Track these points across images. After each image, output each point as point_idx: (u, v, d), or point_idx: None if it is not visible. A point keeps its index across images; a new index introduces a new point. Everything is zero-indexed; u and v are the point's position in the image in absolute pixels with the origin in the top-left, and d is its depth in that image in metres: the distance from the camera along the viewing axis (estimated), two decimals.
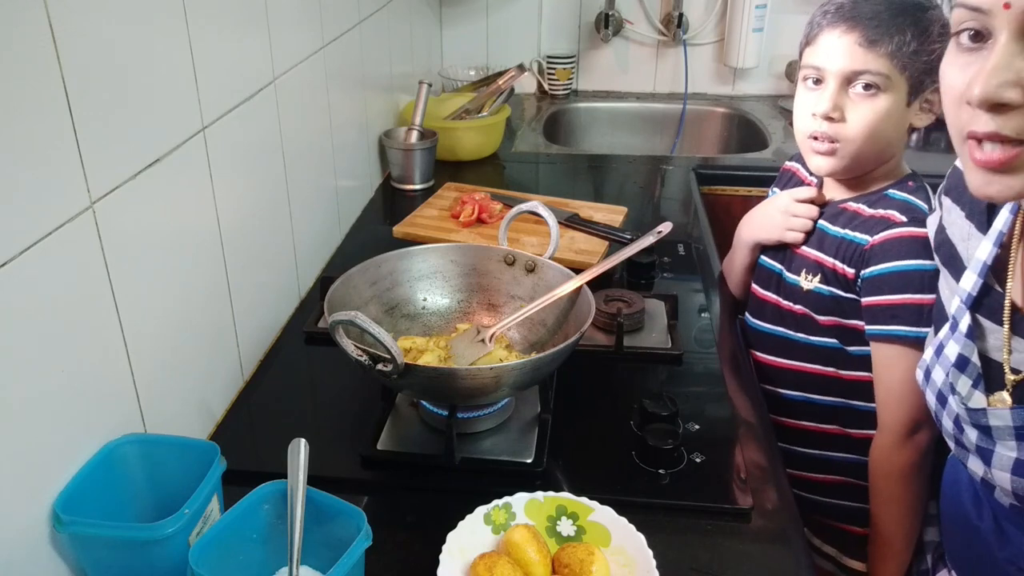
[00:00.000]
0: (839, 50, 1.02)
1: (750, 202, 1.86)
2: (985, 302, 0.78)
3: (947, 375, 0.81)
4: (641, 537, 0.77)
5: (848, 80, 1.02)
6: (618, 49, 2.32)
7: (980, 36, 0.62)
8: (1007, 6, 0.59)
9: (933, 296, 0.93)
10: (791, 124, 2.06)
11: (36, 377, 0.68)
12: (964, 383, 0.79)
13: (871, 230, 1.05)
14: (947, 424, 0.82)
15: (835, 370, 1.13)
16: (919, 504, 1.05)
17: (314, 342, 1.18)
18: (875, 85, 1.01)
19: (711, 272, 1.39)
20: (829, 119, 1.03)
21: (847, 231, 1.08)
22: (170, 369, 0.89)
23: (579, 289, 1.01)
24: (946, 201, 0.89)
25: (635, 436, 0.96)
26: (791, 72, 2.23)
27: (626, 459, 0.94)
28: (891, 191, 1.06)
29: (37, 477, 0.69)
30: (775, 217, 1.18)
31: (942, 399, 0.82)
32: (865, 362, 1.07)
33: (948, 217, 0.88)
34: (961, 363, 0.79)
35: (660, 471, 0.92)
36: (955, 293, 0.82)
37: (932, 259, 0.94)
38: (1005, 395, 0.76)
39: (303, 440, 0.75)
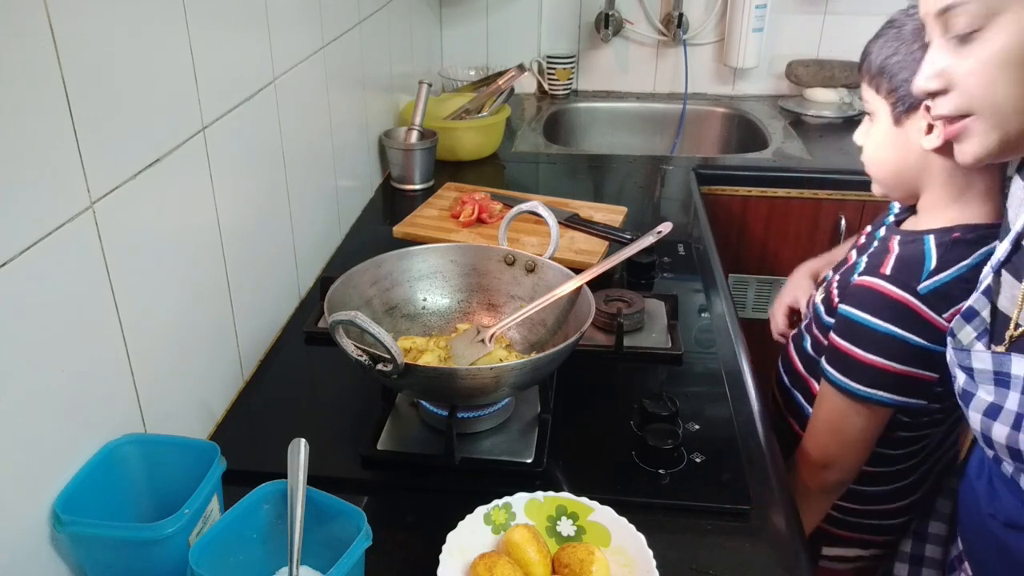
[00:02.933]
0: None
1: (750, 202, 1.87)
2: (1013, 259, 0.80)
3: (952, 323, 0.84)
4: (641, 537, 0.77)
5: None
6: (618, 49, 2.32)
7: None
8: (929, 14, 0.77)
9: (874, 357, 0.94)
10: (792, 124, 2.08)
11: (36, 377, 0.68)
12: (967, 333, 0.82)
13: (868, 266, 1.01)
14: (955, 374, 0.84)
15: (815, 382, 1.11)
16: (812, 521, 1.10)
17: (314, 342, 1.18)
18: (868, 113, 1.02)
19: (711, 272, 1.39)
20: (861, 149, 1.06)
21: (865, 256, 1.04)
22: (170, 369, 0.89)
23: (579, 289, 1.01)
24: (1016, 177, 0.87)
25: (635, 436, 0.96)
26: (791, 72, 2.23)
27: (626, 459, 0.94)
28: (928, 235, 0.97)
29: (37, 477, 0.69)
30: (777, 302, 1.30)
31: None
32: None
33: (1012, 189, 0.87)
34: (969, 314, 0.82)
35: (660, 471, 0.92)
36: (989, 262, 0.84)
37: (893, 322, 0.93)
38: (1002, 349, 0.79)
39: (303, 440, 0.75)
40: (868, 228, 1.15)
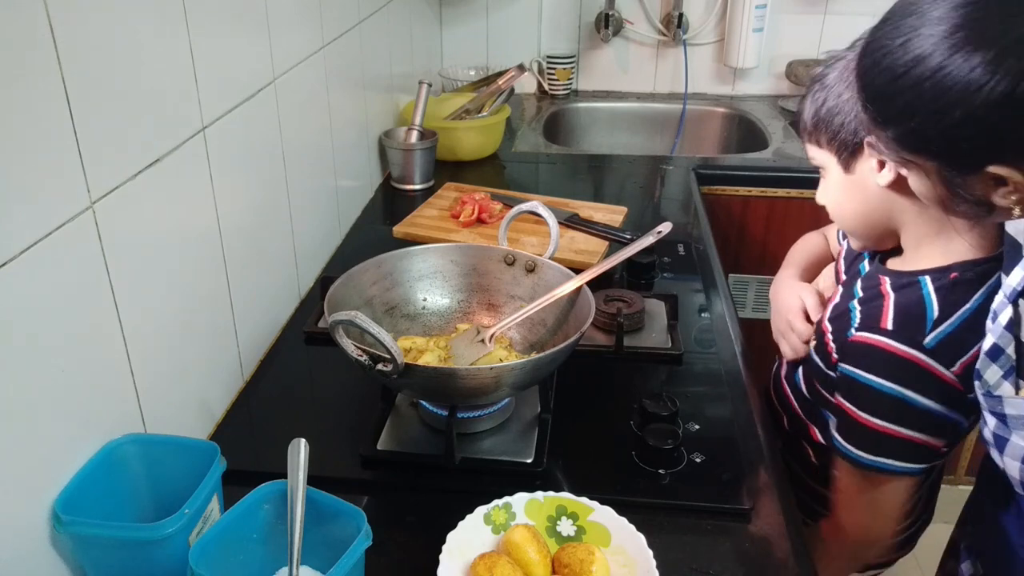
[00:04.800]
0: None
1: (750, 202, 1.87)
2: None
3: (978, 364, 0.81)
4: (641, 537, 0.77)
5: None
6: (618, 49, 2.32)
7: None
8: None
9: (879, 421, 0.89)
10: (791, 124, 2.08)
11: (36, 377, 0.68)
12: (993, 372, 0.79)
13: (865, 318, 0.94)
14: (984, 417, 0.83)
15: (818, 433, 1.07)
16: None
17: (314, 342, 1.18)
18: (820, 169, 1.00)
19: (711, 272, 1.39)
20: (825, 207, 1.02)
21: (856, 302, 0.96)
22: (170, 369, 0.89)
23: (579, 289, 1.01)
24: None
25: (635, 436, 0.96)
26: (791, 72, 2.23)
27: (626, 459, 0.94)
28: (924, 278, 0.91)
29: (37, 477, 0.69)
30: (779, 318, 1.14)
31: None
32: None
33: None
34: (994, 352, 0.79)
35: (660, 471, 0.92)
36: (1002, 290, 0.82)
37: (900, 383, 0.88)
38: None
39: (303, 440, 0.75)
40: (842, 248, 1.11)
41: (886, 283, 0.94)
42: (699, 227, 1.56)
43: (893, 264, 0.97)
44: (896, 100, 0.71)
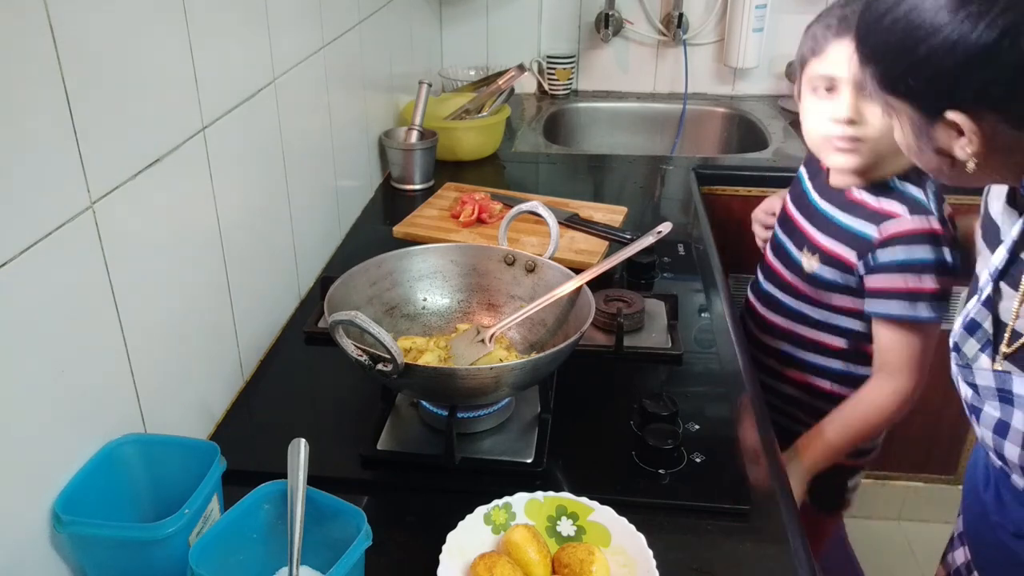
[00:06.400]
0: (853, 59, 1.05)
1: (750, 202, 1.86)
2: (1011, 271, 0.81)
3: (956, 337, 0.84)
4: (641, 537, 0.77)
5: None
6: (618, 49, 2.32)
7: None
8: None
9: (933, 286, 1.05)
10: (792, 124, 2.08)
11: (36, 377, 0.68)
12: (971, 346, 0.83)
13: (877, 222, 1.10)
14: (961, 388, 0.86)
15: (845, 342, 1.22)
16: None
17: (314, 342, 1.18)
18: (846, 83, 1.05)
19: (711, 272, 1.39)
20: (852, 123, 1.07)
21: (852, 222, 1.14)
22: (170, 369, 0.89)
23: (579, 289, 1.01)
24: (994, 186, 0.90)
25: (635, 436, 0.96)
26: (791, 72, 2.22)
27: (626, 459, 0.94)
28: (895, 180, 1.11)
29: (37, 477, 0.69)
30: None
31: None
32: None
33: (992, 193, 0.89)
34: (971, 327, 0.83)
35: (660, 471, 0.92)
36: (986, 267, 0.84)
37: (934, 250, 1.05)
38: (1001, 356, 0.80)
39: (303, 440, 0.75)
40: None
41: (856, 197, 1.13)
42: (699, 227, 1.56)
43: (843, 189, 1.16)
44: (875, 37, 0.75)
